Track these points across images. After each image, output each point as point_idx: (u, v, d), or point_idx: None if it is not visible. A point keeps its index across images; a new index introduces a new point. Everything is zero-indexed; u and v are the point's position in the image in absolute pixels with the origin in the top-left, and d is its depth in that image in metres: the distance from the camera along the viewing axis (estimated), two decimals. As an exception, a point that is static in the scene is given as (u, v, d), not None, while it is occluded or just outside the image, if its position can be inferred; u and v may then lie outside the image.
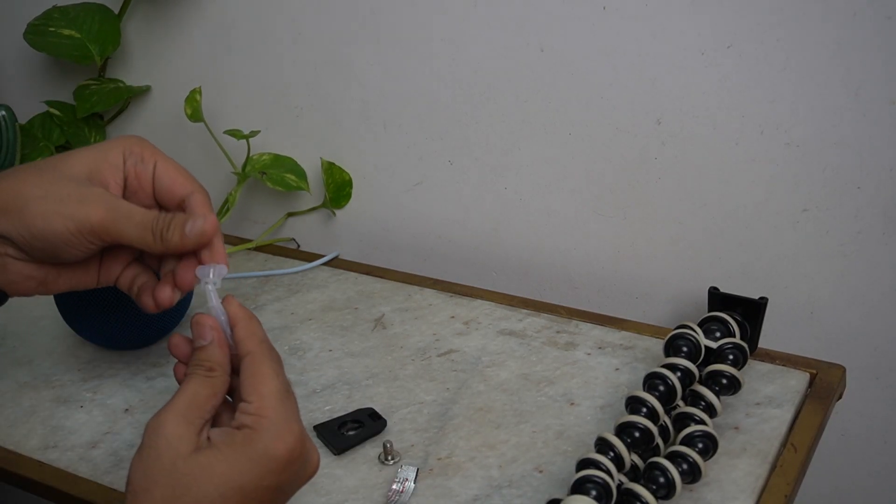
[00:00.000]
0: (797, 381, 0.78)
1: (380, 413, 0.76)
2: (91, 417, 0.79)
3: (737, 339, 0.75)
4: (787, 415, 0.74)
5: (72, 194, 0.59)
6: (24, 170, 0.61)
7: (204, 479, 0.53)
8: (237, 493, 0.53)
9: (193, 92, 1.00)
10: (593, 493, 0.62)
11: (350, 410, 0.77)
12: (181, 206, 0.64)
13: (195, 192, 0.64)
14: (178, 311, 0.88)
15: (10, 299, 0.67)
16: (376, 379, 0.82)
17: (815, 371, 0.79)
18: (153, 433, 0.53)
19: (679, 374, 0.72)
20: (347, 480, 0.71)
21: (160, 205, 0.65)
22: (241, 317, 0.58)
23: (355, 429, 0.75)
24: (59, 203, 0.59)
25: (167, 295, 0.64)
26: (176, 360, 0.60)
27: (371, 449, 0.74)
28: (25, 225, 0.59)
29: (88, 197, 0.60)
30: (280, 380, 0.56)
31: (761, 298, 0.78)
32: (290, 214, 1.09)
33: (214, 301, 0.58)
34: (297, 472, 0.56)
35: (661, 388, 0.71)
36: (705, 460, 0.67)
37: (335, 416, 0.77)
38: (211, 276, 0.60)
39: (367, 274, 0.99)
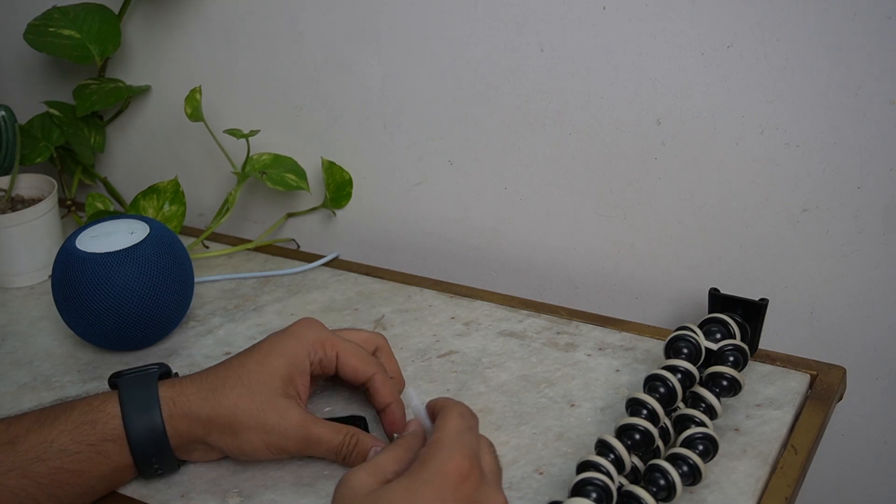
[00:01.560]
0: (797, 382, 0.78)
1: (368, 424, 0.76)
2: (91, 419, 0.79)
3: (737, 341, 0.75)
4: (787, 416, 0.74)
5: (274, 427, 0.69)
6: (236, 388, 0.69)
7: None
8: None
9: (193, 91, 0.99)
10: (593, 495, 0.62)
11: (346, 415, 0.77)
12: (367, 386, 0.73)
13: (374, 374, 0.73)
14: (178, 312, 0.88)
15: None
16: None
17: (815, 372, 0.79)
18: (339, 485, 0.59)
19: (679, 375, 0.72)
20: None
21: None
22: (442, 398, 0.64)
23: None
24: (265, 434, 0.69)
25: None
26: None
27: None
28: (238, 446, 0.70)
29: (287, 431, 0.69)
30: (466, 421, 0.61)
31: (762, 300, 0.78)
32: (290, 214, 1.09)
33: (416, 401, 0.64)
34: (474, 499, 0.57)
35: (662, 389, 0.71)
36: (706, 462, 0.67)
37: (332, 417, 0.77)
38: (413, 397, 0.65)
39: (367, 274, 0.99)
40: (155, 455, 0.69)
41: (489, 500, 0.57)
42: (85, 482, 0.68)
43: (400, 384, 0.77)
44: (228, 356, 0.74)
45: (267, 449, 0.69)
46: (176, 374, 0.75)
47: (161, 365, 0.73)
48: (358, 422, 0.76)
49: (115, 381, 0.71)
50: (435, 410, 0.64)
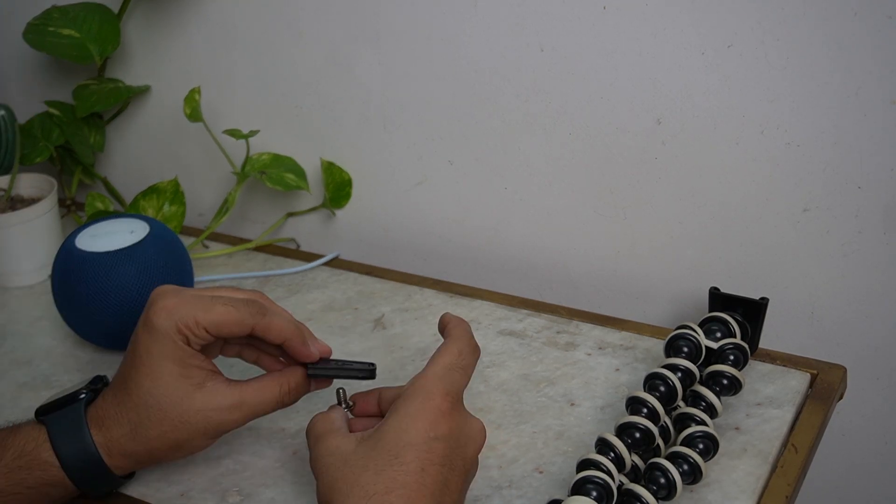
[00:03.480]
0: (798, 381, 0.78)
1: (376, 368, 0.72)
2: (91, 418, 0.79)
3: (737, 340, 0.75)
4: (787, 415, 0.74)
5: (209, 421, 0.66)
6: (152, 417, 0.66)
7: (374, 454, 0.59)
8: (409, 450, 0.59)
9: (192, 91, 0.99)
10: (594, 493, 0.62)
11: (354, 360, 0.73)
12: (255, 336, 0.69)
13: (254, 326, 0.67)
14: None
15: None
16: (376, 379, 0.81)
17: (815, 371, 0.79)
18: (317, 461, 0.61)
19: (679, 374, 0.72)
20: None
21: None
22: (457, 319, 0.67)
23: (342, 366, 0.71)
24: (203, 434, 0.67)
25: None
26: None
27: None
28: (189, 451, 0.69)
29: (222, 415, 0.67)
30: (461, 359, 0.64)
31: (762, 299, 0.78)
32: (290, 214, 1.09)
33: None
34: (460, 428, 0.61)
35: (662, 388, 0.71)
36: (706, 461, 0.67)
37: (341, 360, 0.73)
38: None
39: (367, 274, 0.99)
40: (104, 484, 0.68)
41: (471, 427, 0.63)
42: None
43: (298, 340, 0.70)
44: None
45: (217, 436, 0.68)
46: (104, 379, 0.72)
47: (87, 392, 0.69)
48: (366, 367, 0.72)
49: (42, 419, 0.68)
50: (444, 328, 0.67)
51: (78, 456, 0.66)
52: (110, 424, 0.67)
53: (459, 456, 0.61)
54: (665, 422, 0.70)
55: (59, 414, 0.67)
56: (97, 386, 0.70)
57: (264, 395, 0.68)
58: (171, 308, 0.66)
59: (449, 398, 0.61)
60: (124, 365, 0.68)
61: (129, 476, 0.71)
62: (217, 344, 0.71)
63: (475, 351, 0.65)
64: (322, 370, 0.70)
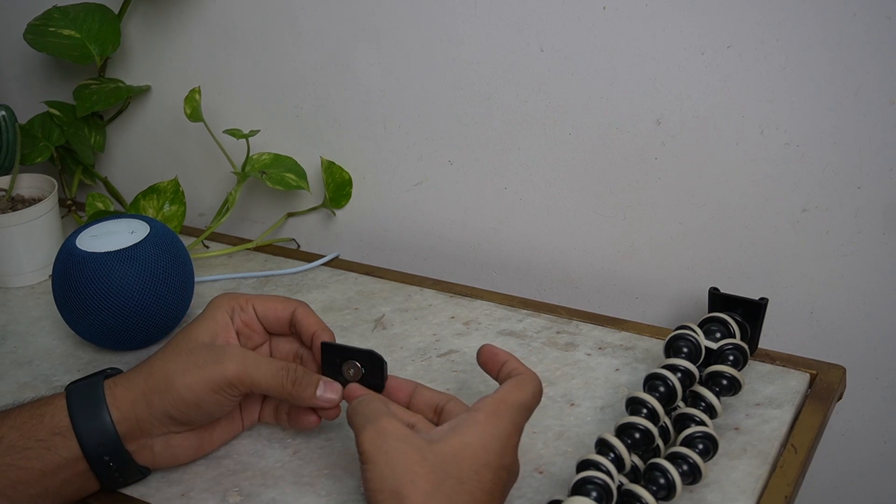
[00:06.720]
0: (797, 381, 0.78)
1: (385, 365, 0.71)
2: (91, 418, 0.79)
3: (737, 340, 0.75)
4: (787, 415, 0.74)
5: (207, 358, 0.69)
6: (166, 352, 0.71)
7: (456, 462, 0.61)
8: (487, 470, 0.61)
9: (193, 91, 0.99)
10: (594, 494, 0.62)
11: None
12: (293, 325, 0.74)
13: (296, 308, 0.74)
14: (178, 311, 0.88)
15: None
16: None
17: (815, 371, 0.79)
18: (377, 443, 0.62)
19: (679, 374, 0.72)
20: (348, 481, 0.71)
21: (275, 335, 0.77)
22: (513, 357, 0.69)
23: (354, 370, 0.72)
24: (199, 370, 0.68)
25: (313, 421, 0.73)
26: None
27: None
28: (178, 397, 0.68)
29: (221, 356, 0.69)
30: (536, 402, 0.66)
31: (762, 299, 0.78)
32: (290, 214, 1.09)
33: None
34: (516, 464, 0.65)
35: (662, 388, 0.71)
36: (705, 461, 0.67)
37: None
38: None
39: (367, 274, 0.99)
40: (103, 444, 0.68)
41: (517, 465, 0.66)
42: (36, 481, 0.66)
43: (328, 335, 0.74)
44: None
45: (208, 387, 0.68)
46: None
47: (113, 369, 0.73)
48: (374, 358, 0.71)
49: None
50: (501, 364, 0.68)
51: (82, 395, 0.69)
52: (126, 372, 0.71)
53: (508, 489, 0.64)
54: (665, 422, 0.70)
55: (84, 377, 0.72)
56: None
57: (268, 358, 0.70)
58: (230, 294, 0.75)
59: (518, 433, 0.64)
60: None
61: (137, 467, 0.70)
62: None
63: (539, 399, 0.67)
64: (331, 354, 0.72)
